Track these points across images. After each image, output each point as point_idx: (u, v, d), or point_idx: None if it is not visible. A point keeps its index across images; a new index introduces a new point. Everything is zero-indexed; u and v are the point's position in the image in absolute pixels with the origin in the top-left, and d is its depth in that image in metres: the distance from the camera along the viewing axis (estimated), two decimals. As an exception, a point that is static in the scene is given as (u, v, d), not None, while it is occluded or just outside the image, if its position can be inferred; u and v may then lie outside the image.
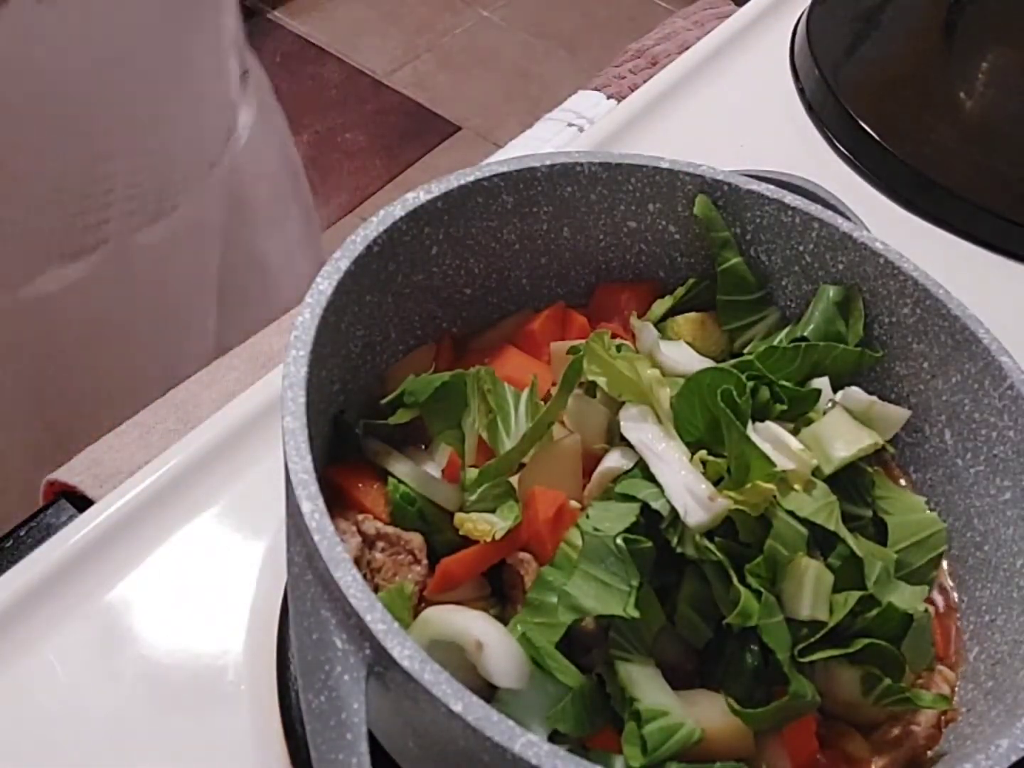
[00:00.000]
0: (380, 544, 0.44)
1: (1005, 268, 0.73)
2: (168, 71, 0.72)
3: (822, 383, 0.49)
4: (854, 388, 0.49)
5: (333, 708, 0.36)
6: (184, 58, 0.73)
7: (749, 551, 0.42)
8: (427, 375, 0.47)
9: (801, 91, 0.82)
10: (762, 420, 0.46)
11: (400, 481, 0.46)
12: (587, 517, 0.42)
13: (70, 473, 0.59)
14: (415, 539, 0.45)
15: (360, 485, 0.46)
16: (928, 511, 0.49)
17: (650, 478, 0.43)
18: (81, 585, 0.53)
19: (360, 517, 0.45)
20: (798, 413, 0.47)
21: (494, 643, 0.40)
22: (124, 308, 0.79)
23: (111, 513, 0.55)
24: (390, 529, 0.45)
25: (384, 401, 0.47)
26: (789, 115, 0.81)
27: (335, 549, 0.37)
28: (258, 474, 0.57)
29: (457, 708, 0.34)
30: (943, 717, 0.44)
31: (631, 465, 0.44)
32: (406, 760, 0.43)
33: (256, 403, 0.60)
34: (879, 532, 0.47)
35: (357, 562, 0.44)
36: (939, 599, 0.48)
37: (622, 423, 0.44)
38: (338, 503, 0.46)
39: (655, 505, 0.42)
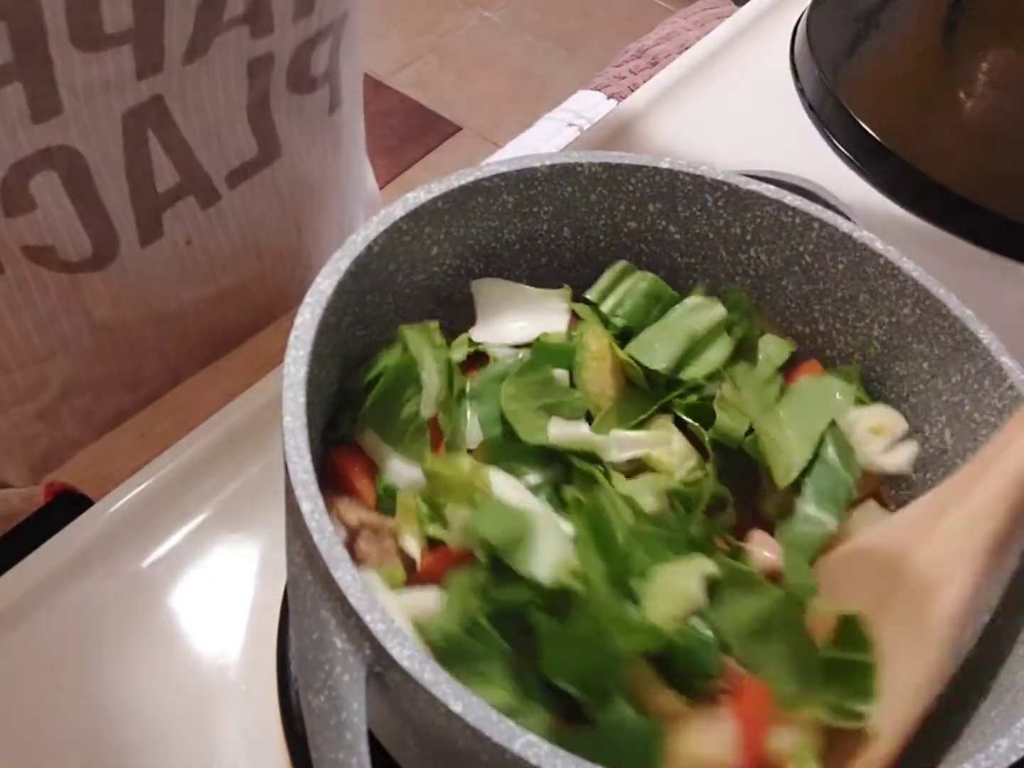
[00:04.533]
0: (364, 533, 0.44)
1: (1005, 268, 0.73)
2: (288, 275, 0.71)
3: None
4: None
5: (333, 708, 0.36)
6: (306, 252, 0.72)
7: None
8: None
9: (801, 91, 0.82)
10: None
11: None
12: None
13: (70, 473, 0.59)
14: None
15: (357, 469, 0.46)
16: None
17: None
18: (80, 586, 0.53)
19: (343, 507, 0.45)
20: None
21: None
22: None
23: (111, 513, 0.55)
24: (372, 517, 0.44)
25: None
26: (789, 115, 0.81)
27: (335, 549, 0.37)
28: (258, 474, 0.57)
29: (457, 708, 0.34)
30: None
31: None
32: (406, 760, 0.43)
33: (256, 403, 0.60)
34: None
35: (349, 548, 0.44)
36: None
37: None
38: (339, 485, 0.46)
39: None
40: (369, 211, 0.85)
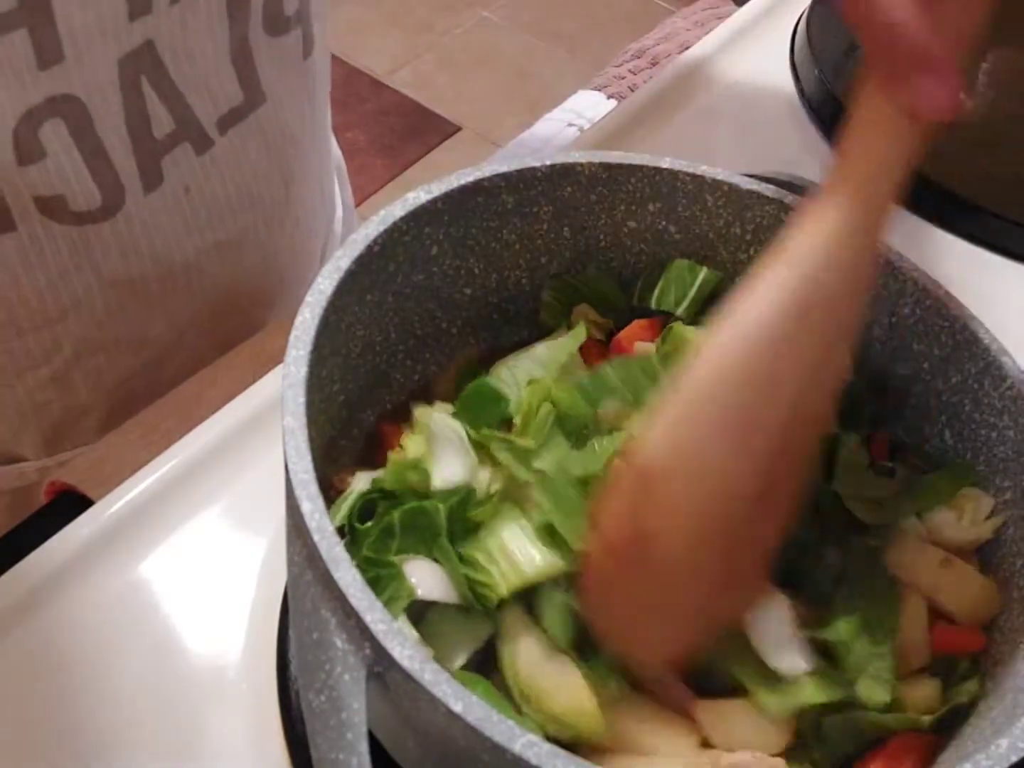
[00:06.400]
0: None
1: (1005, 268, 0.73)
2: (278, 230, 0.74)
3: None
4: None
5: (333, 708, 0.36)
6: (293, 206, 0.75)
7: None
8: None
9: (801, 91, 0.82)
10: None
11: None
12: None
13: (70, 473, 0.59)
14: None
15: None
16: None
17: None
18: (81, 585, 0.53)
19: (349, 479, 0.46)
20: None
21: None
22: None
23: (111, 513, 0.55)
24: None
25: None
26: (789, 115, 0.81)
27: (335, 549, 0.37)
28: (258, 474, 0.57)
29: (457, 708, 0.34)
30: None
31: None
32: (406, 760, 0.43)
33: (256, 403, 0.60)
34: None
35: None
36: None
37: None
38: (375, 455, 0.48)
39: None
40: (340, 175, 0.88)
